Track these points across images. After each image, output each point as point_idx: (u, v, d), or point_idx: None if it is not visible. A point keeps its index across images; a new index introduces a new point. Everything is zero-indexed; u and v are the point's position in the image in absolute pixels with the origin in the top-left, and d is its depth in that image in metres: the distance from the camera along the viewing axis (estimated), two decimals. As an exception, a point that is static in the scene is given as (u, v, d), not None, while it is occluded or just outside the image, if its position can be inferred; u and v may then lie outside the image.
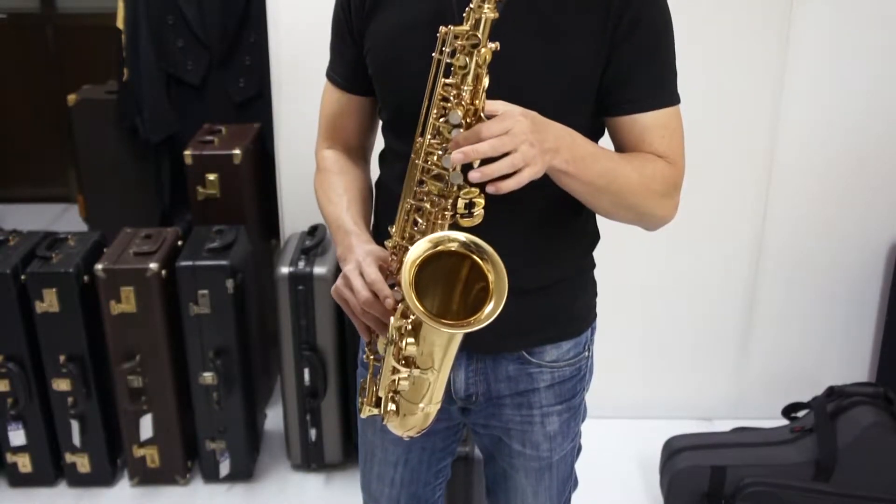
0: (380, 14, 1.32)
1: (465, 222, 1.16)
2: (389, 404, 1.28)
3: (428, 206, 1.20)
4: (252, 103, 3.08)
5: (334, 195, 1.41)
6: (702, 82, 2.47)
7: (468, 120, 1.14)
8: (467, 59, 1.13)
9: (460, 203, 1.16)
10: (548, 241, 1.36)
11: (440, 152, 1.17)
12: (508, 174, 1.11)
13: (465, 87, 1.13)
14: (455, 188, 1.16)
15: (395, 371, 1.24)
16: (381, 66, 1.34)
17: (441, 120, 1.17)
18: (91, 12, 4.24)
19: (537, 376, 1.43)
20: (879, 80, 2.59)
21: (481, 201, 1.15)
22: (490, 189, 1.11)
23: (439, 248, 1.15)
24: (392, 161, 1.40)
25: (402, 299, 1.18)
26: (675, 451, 2.44)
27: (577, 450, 1.57)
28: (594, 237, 1.46)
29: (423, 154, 1.19)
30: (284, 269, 2.45)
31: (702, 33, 2.48)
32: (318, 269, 2.45)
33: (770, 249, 2.74)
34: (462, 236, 1.15)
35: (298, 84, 2.57)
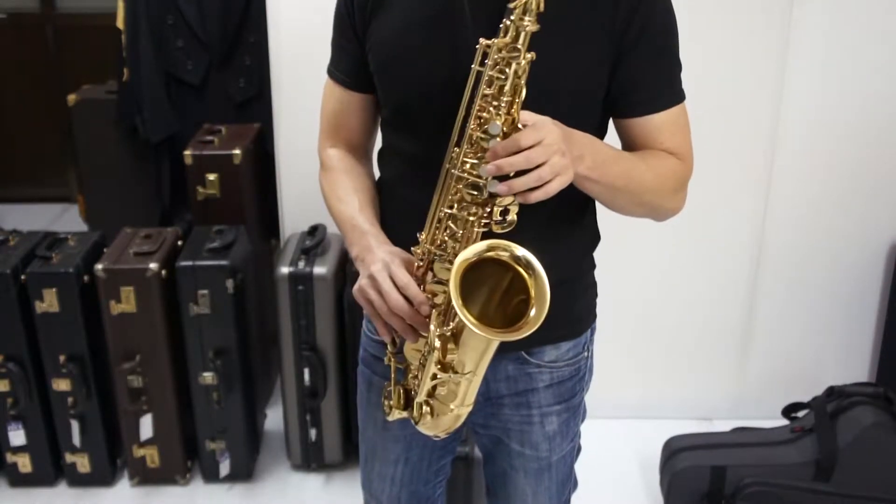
0: (382, 11, 1.32)
1: (498, 229, 1.19)
2: (424, 407, 1.29)
3: (465, 214, 1.21)
4: (252, 103, 3.08)
5: (344, 194, 1.40)
6: (702, 83, 2.46)
7: (506, 129, 1.16)
8: (507, 69, 1.14)
9: (495, 210, 1.18)
10: (548, 243, 1.35)
11: (475, 161, 1.19)
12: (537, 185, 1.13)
13: (504, 98, 1.15)
14: (490, 196, 1.18)
15: (434, 377, 1.24)
16: (383, 64, 1.33)
17: (479, 130, 1.18)
18: (91, 12, 4.24)
19: (536, 376, 1.43)
20: (879, 80, 2.59)
21: (515, 208, 1.18)
22: (518, 199, 1.14)
23: (492, 253, 1.17)
24: (391, 159, 1.40)
25: (439, 305, 1.20)
26: (675, 451, 2.44)
27: (577, 450, 1.57)
28: (594, 238, 1.46)
29: (458, 164, 1.20)
30: (284, 269, 2.45)
31: (702, 34, 2.47)
32: (318, 269, 2.45)
33: (770, 249, 2.74)
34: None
35: (298, 84, 2.56)
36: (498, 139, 1.14)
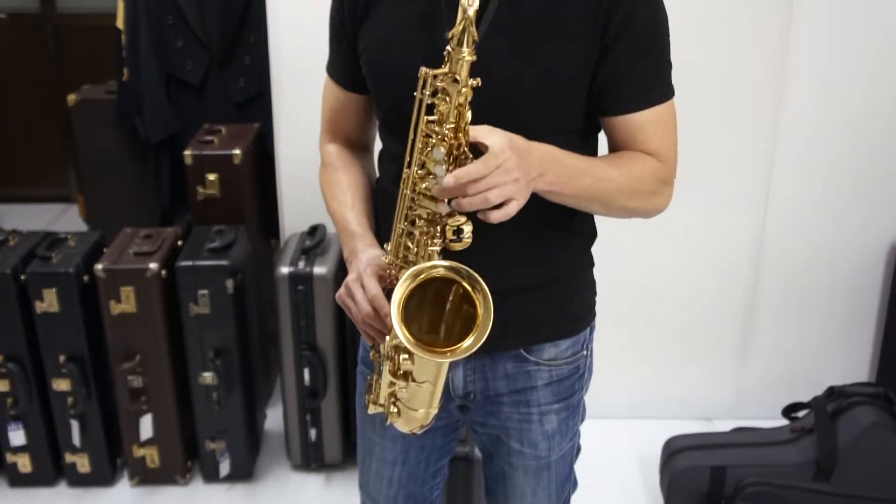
0: (373, 14, 1.33)
1: (455, 247, 1.20)
2: (391, 407, 1.33)
3: (417, 233, 1.23)
4: (252, 103, 3.08)
5: (339, 192, 1.43)
6: (702, 83, 2.47)
7: (453, 153, 1.17)
8: (448, 98, 1.15)
9: (448, 230, 1.20)
10: (545, 238, 1.36)
11: (426, 183, 1.21)
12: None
13: (448, 126, 1.16)
14: (443, 216, 1.20)
15: (392, 384, 1.29)
16: (375, 67, 1.34)
17: (426, 154, 1.19)
18: (91, 12, 4.24)
19: (535, 374, 1.43)
20: (879, 80, 2.59)
21: (469, 227, 1.19)
22: (480, 216, 1.15)
23: (421, 277, 1.19)
24: (388, 163, 1.41)
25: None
26: (675, 451, 2.44)
27: (577, 450, 1.57)
28: (591, 234, 1.46)
29: (410, 183, 1.22)
30: (284, 269, 2.45)
31: (702, 34, 2.48)
32: (318, 269, 2.45)
33: (770, 249, 2.74)
34: (447, 263, 1.20)
35: (298, 84, 2.56)
36: (444, 166, 1.16)
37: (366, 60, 1.35)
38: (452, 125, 1.16)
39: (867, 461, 2.27)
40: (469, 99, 1.15)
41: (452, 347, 1.18)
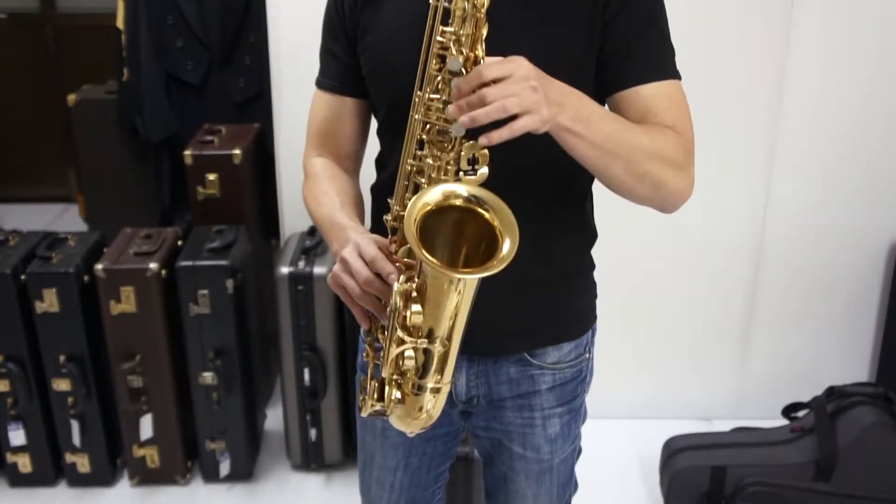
0: (372, 11, 1.31)
1: (470, 181, 1.12)
2: (394, 391, 1.20)
3: (430, 161, 1.15)
4: (252, 103, 3.08)
5: (325, 198, 1.37)
6: (702, 82, 2.47)
7: (468, 68, 1.10)
8: (465, 3, 1.09)
9: (463, 159, 1.12)
10: (546, 238, 1.34)
11: (440, 106, 1.13)
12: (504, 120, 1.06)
13: (464, 33, 1.09)
14: (458, 141, 1.12)
15: (400, 342, 1.14)
16: (376, 64, 1.32)
17: (440, 70, 1.13)
18: (91, 12, 4.24)
19: (539, 378, 1.43)
20: (879, 79, 2.59)
21: (486, 156, 1.11)
22: (482, 140, 1.07)
23: (449, 201, 1.10)
24: (387, 161, 1.38)
25: (404, 260, 1.13)
26: (675, 451, 2.44)
27: (577, 452, 1.57)
28: (592, 235, 1.45)
29: (422, 109, 1.15)
30: (284, 269, 2.45)
31: (702, 34, 2.48)
32: (318, 269, 2.45)
33: (770, 249, 2.74)
34: (463, 190, 1.10)
35: (298, 84, 2.56)
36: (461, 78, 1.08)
37: (367, 59, 1.33)
38: (469, 35, 1.09)
39: (867, 461, 2.27)
40: (486, 6, 1.09)
41: (484, 264, 1.06)
